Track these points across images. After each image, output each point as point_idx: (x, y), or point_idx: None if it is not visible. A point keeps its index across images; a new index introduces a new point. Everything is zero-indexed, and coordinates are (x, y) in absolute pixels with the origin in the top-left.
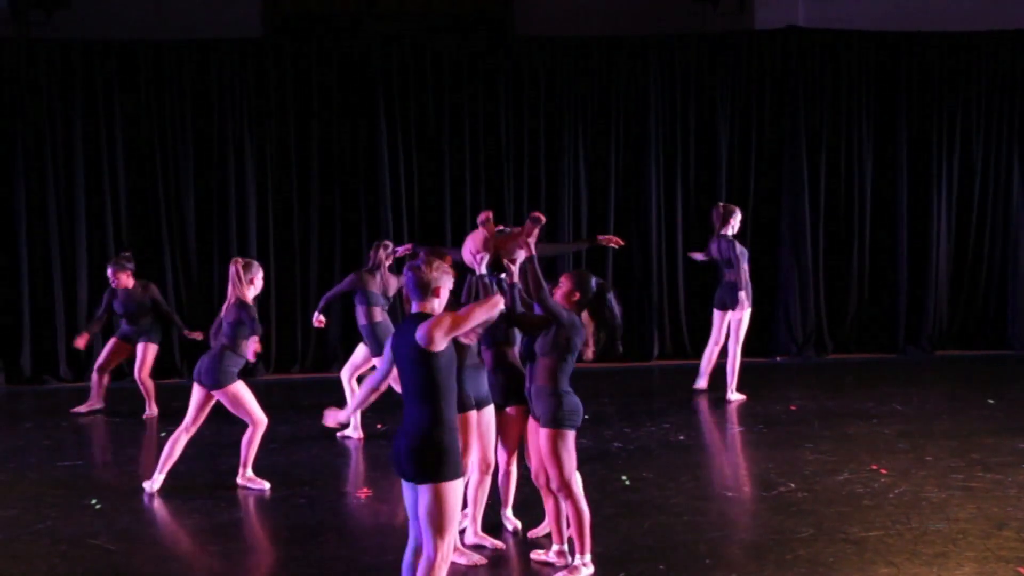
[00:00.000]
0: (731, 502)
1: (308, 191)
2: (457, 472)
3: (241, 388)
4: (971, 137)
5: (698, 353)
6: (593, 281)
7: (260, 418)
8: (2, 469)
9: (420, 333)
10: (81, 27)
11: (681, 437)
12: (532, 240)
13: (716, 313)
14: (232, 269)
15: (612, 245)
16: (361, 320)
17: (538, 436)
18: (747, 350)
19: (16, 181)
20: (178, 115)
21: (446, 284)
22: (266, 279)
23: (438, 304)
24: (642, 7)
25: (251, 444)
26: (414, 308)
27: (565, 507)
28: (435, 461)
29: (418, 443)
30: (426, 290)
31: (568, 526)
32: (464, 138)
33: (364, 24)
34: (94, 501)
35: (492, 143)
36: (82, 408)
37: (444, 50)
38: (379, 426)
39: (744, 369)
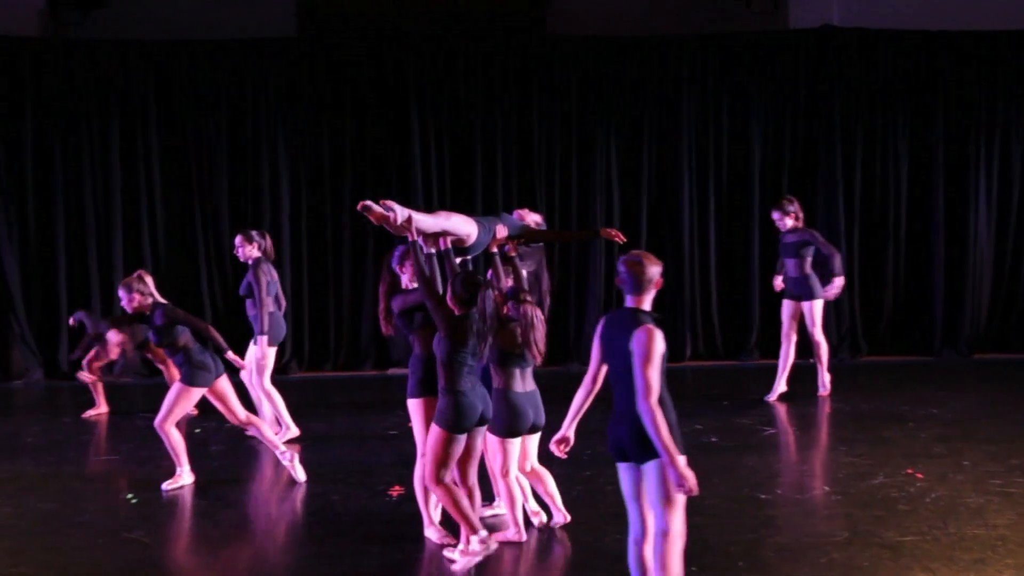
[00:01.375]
0: (764, 504)
1: (341, 190)
2: (679, 448)
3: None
4: (1010, 137)
5: (729, 354)
6: (479, 280)
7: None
8: (42, 463)
9: (640, 348)
10: (117, 27)
11: (713, 439)
12: (412, 228)
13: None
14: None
15: (616, 239)
16: None
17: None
18: (775, 350)
19: (54, 180)
20: (212, 114)
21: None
22: (299, 278)
23: (649, 300)
24: (675, 7)
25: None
26: (629, 302)
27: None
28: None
29: (640, 425)
30: (643, 285)
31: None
32: (496, 138)
33: (397, 24)
34: (130, 496)
35: (524, 143)
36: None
37: (476, 50)
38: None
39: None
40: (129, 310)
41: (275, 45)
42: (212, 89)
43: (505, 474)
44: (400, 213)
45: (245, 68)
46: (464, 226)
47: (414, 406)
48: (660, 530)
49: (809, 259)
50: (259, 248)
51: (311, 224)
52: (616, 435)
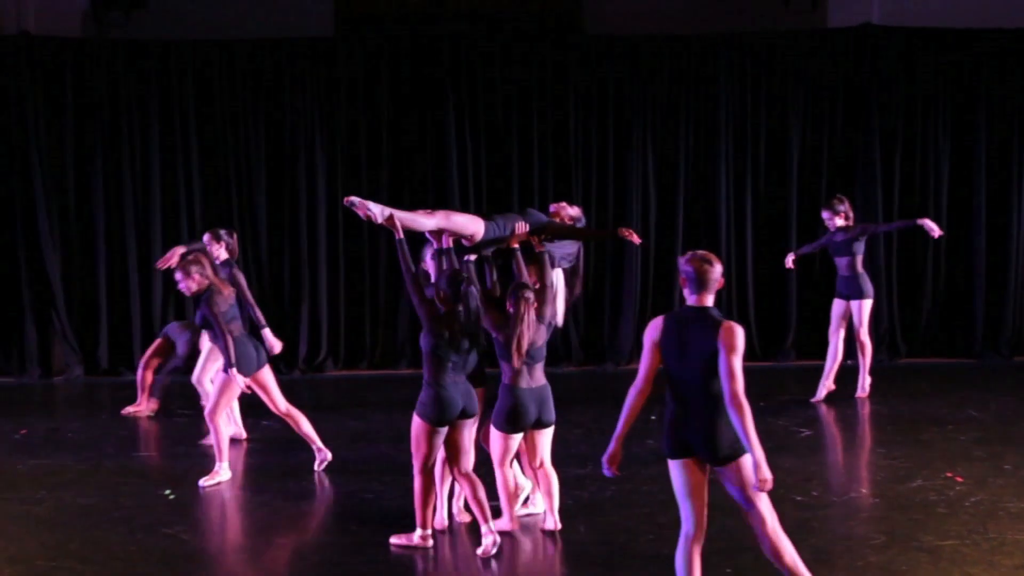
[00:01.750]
0: (800, 506)
1: (377, 188)
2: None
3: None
4: None
5: (766, 354)
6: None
7: None
8: (81, 458)
9: (733, 343)
10: (158, 27)
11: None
12: (397, 225)
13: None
14: None
15: (632, 240)
16: None
17: None
18: (818, 352)
19: (94, 179)
20: (251, 112)
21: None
22: (335, 277)
23: (712, 299)
24: (713, 6)
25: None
26: (692, 300)
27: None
28: (735, 437)
29: (718, 426)
30: (710, 284)
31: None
32: (532, 137)
33: (435, 23)
34: (168, 491)
35: (561, 142)
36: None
37: (514, 49)
38: None
39: (816, 372)
40: (188, 294)
41: (313, 45)
42: (250, 89)
43: (500, 464)
44: (377, 212)
45: (283, 68)
46: (469, 225)
47: None
48: (762, 518)
49: (860, 256)
50: (227, 248)
51: (348, 222)
52: (683, 434)
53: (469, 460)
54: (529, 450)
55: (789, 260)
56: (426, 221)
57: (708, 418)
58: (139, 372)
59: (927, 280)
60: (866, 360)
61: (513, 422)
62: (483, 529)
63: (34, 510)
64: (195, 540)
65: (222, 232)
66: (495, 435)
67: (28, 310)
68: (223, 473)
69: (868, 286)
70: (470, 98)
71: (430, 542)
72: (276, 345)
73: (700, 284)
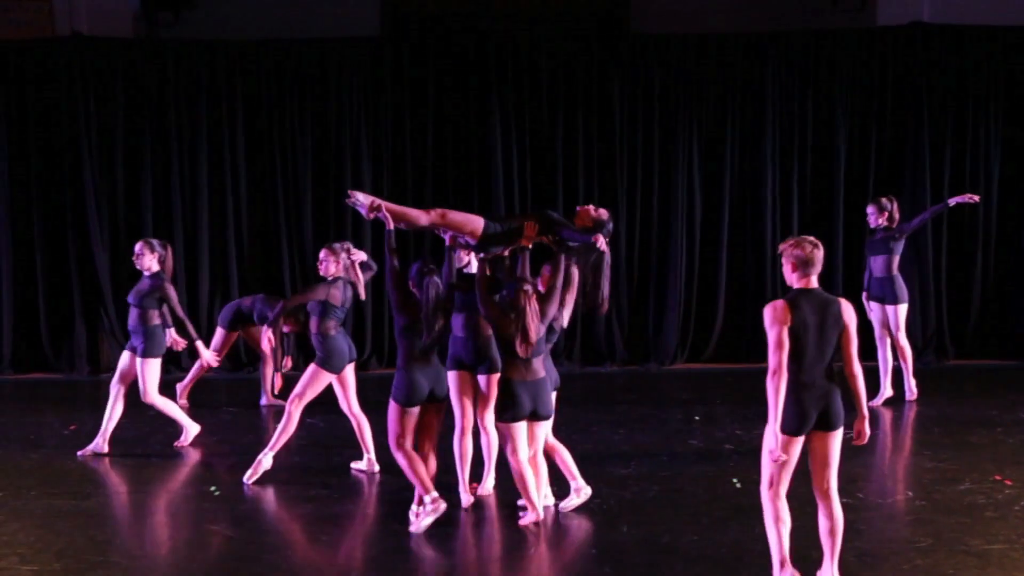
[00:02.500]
0: (846, 509)
1: (422, 189)
2: None
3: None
4: None
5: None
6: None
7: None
8: (128, 454)
9: (852, 315)
10: (206, 27)
11: None
12: (386, 215)
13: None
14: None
15: (601, 249)
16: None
17: None
18: (867, 354)
19: (143, 178)
20: (297, 112)
21: None
22: (379, 276)
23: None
24: (760, 6)
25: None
26: (807, 284)
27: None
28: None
29: (836, 395)
30: (813, 265)
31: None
32: (578, 137)
33: (480, 23)
34: (213, 488)
35: (606, 141)
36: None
37: (559, 48)
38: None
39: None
40: (328, 277)
41: (359, 44)
42: (297, 88)
43: (511, 455)
44: (363, 200)
45: (329, 67)
46: (467, 223)
47: (449, 378)
48: (831, 494)
49: (897, 258)
50: (159, 259)
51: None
52: (820, 407)
53: (433, 441)
54: (528, 440)
55: (867, 305)
56: (420, 216)
57: (832, 387)
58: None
59: (976, 281)
60: (908, 363)
61: (509, 413)
62: (426, 500)
63: (82, 504)
64: (240, 537)
65: (155, 242)
66: (498, 427)
67: (78, 308)
68: (265, 463)
69: (903, 290)
70: (515, 97)
71: (441, 504)
72: (179, 343)
73: (814, 266)
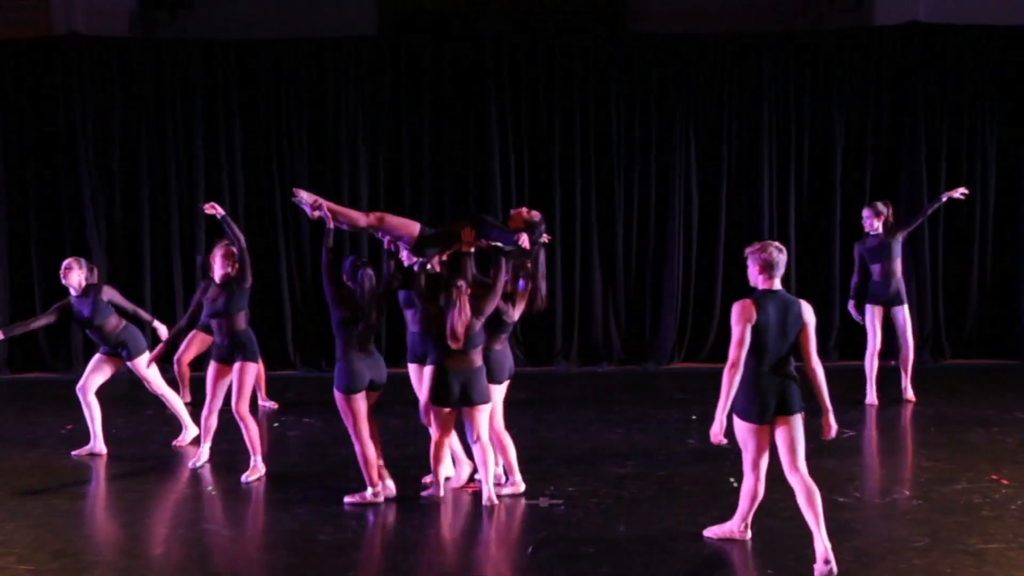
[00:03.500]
0: (843, 508)
1: (420, 186)
2: None
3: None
4: None
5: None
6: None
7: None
8: (125, 454)
9: (811, 316)
10: (203, 27)
11: None
12: (327, 213)
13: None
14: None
15: (523, 244)
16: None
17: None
18: (859, 353)
19: (140, 177)
20: (295, 112)
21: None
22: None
23: None
24: (756, 4)
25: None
26: (764, 285)
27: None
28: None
29: (792, 385)
30: (778, 268)
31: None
32: (575, 135)
33: (477, 22)
34: (210, 487)
35: (603, 141)
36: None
37: (556, 47)
38: None
39: (857, 373)
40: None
41: (356, 44)
42: (293, 88)
43: (437, 438)
44: (306, 199)
45: (326, 67)
46: (403, 228)
47: (410, 370)
48: (803, 474)
49: (898, 261)
50: (87, 273)
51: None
52: (778, 394)
53: (371, 426)
54: (469, 426)
55: (853, 313)
56: (360, 218)
57: (789, 377)
58: (176, 367)
59: (972, 280)
60: (911, 365)
61: (437, 397)
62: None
63: (79, 504)
64: (234, 536)
65: (81, 260)
66: (431, 408)
67: None
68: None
69: (904, 291)
70: (512, 96)
71: (381, 497)
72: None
73: (779, 269)
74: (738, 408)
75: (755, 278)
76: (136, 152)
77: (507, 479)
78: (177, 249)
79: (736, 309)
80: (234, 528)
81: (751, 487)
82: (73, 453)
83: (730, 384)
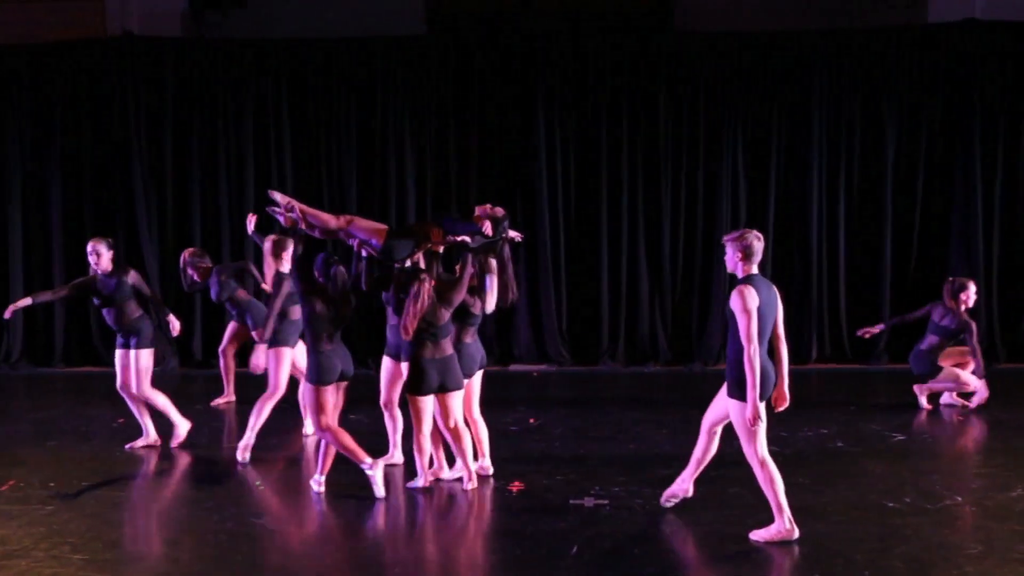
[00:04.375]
0: (892, 513)
1: (467, 185)
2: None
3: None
4: None
5: (858, 357)
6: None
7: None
8: (174, 448)
9: (779, 298)
10: (253, 27)
11: (839, 443)
12: (298, 214)
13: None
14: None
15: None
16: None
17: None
18: (906, 354)
19: (191, 176)
20: (343, 110)
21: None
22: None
23: None
24: (807, 1)
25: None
26: (746, 270)
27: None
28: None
29: (739, 370)
30: (757, 255)
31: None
32: (621, 134)
33: (524, 21)
34: (258, 482)
35: (650, 140)
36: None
37: (602, 47)
38: (532, 420)
39: (907, 377)
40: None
41: (405, 43)
42: (342, 87)
43: (419, 429)
44: (280, 200)
45: (375, 66)
46: (371, 233)
47: (384, 362)
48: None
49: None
50: (112, 255)
51: (436, 219)
52: (776, 374)
53: (335, 417)
54: (442, 413)
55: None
56: (331, 220)
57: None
58: (221, 361)
59: None
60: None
61: (419, 387)
62: (364, 465)
63: (131, 496)
64: (282, 531)
65: (107, 241)
66: (409, 398)
67: None
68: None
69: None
70: (560, 95)
71: (379, 464)
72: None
73: (758, 255)
74: (736, 392)
75: (736, 265)
76: (187, 149)
77: (480, 462)
78: (227, 245)
79: (742, 295)
80: (282, 522)
81: (771, 476)
82: (127, 446)
83: (757, 366)
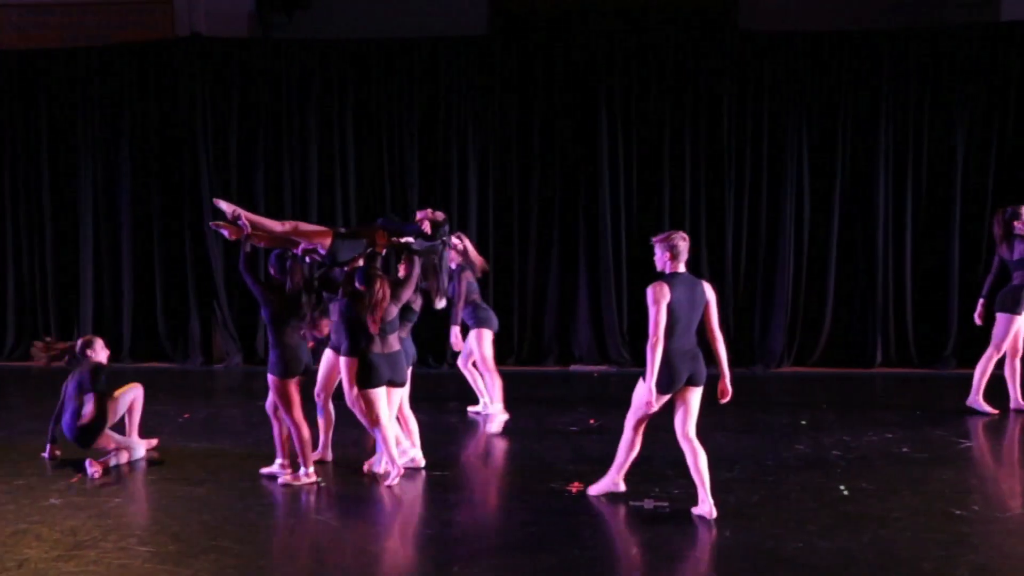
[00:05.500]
0: (959, 521)
1: (528, 186)
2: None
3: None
4: None
5: (924, 362)
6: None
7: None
8: (238, 444)
9: (712, 294)
10: (318, 27)
11: (904, 449)
12: (244, 221)
13: (1002, 317)
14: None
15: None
16: None
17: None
18: (973, 358)
19: (255, 175)
20: (406, 111)
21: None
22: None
23: None
24: (874, 1)
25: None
26: (671, 268)
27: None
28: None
29: (701, 358)
30: (683, 254)
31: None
32: (685, 134)
33: (587, 21)
34: (320, 480)
35: (714, 141)
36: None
37: (666, 46)
38: (592, 421)
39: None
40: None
41: (467, 43)
42: (406, 86)
43: (375, 423)
44: (226, 209)
45: (438, 66)
46: (316, 236)
47: (325, 355)
48: (695, 435)
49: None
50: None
51: (498, 219)
52: (690, 368)
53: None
54: (389, 404)
55: (978, 312)
56: (276, 226)
57: (695, 353)
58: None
59: None
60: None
61: (368, 380)
62: (299, 462)
63: (196, 491)
64: (347, 527)
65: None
66: (361, 393)
67: (192, 301)
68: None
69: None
70: (622, 94)
71: (313, 477)
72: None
73: (682, 254)
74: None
75: (664, 263)
76: (252, 147)
77: (410, 455)
78: None
79: (654, 290)
80: (347, 520)
81: (632, 441)
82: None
83: (656, 358)
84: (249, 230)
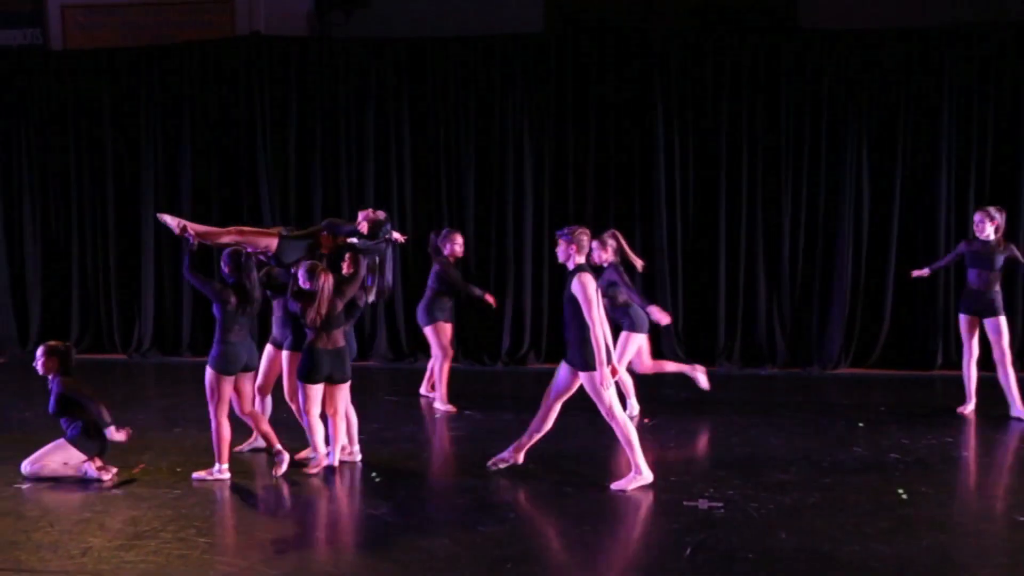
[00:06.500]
0: (1021, 528)
1: (584, 187)
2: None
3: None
4: None
5: (986, 365)
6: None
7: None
8: (298, 439)
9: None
10: (376, 26)
11: (964, 453)
12: (192, 232)
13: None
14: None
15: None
16: None
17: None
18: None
19: (313, 169)
20: (462, 109)
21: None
22: (540, 271)
23: None
24: None
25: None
26: (580, 260)
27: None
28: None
29: (584, 347)
30: (586, 248)
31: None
32: (742, 134)
33: (644, 21)
34: (373, 474)
35: (772, 138)
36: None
37: (724, 45)
38: (646, 420)
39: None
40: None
41: (523, 42)
42: (461, 85)
43: (307, 412)
44: (173, 224)
45: (493, 64)
46: (262, 240)
47: (266, 350)
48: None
49: (999, 272)
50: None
51: (554, 218)
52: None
53: (249, 403)
54: (327, 400)
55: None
56: (221, 234)
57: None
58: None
59: None
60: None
61: (310, 375)
62: (274, 450)
63: (254, 484)
64: (399, 523)
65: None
66: (301, 386)
67: None
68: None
69: (1000, 303)
70: (679, 92)
71: (227, 474)
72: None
73: (586, 248)
74: (578, 361)
75: (569, 256)
76: (310, 144)
77: (349, 449)
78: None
79: (584, 283)
80: (398, 517)
81: (547, 418)
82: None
83: (601, 343)
84: (195, 242)
